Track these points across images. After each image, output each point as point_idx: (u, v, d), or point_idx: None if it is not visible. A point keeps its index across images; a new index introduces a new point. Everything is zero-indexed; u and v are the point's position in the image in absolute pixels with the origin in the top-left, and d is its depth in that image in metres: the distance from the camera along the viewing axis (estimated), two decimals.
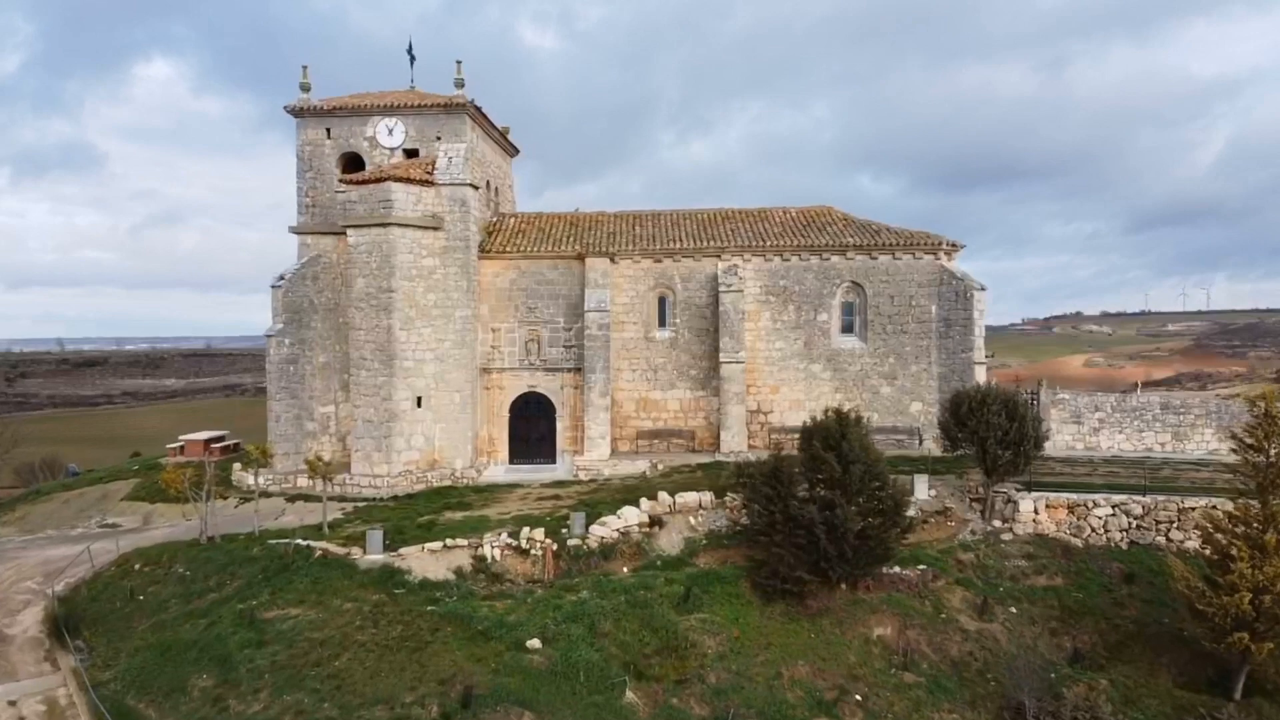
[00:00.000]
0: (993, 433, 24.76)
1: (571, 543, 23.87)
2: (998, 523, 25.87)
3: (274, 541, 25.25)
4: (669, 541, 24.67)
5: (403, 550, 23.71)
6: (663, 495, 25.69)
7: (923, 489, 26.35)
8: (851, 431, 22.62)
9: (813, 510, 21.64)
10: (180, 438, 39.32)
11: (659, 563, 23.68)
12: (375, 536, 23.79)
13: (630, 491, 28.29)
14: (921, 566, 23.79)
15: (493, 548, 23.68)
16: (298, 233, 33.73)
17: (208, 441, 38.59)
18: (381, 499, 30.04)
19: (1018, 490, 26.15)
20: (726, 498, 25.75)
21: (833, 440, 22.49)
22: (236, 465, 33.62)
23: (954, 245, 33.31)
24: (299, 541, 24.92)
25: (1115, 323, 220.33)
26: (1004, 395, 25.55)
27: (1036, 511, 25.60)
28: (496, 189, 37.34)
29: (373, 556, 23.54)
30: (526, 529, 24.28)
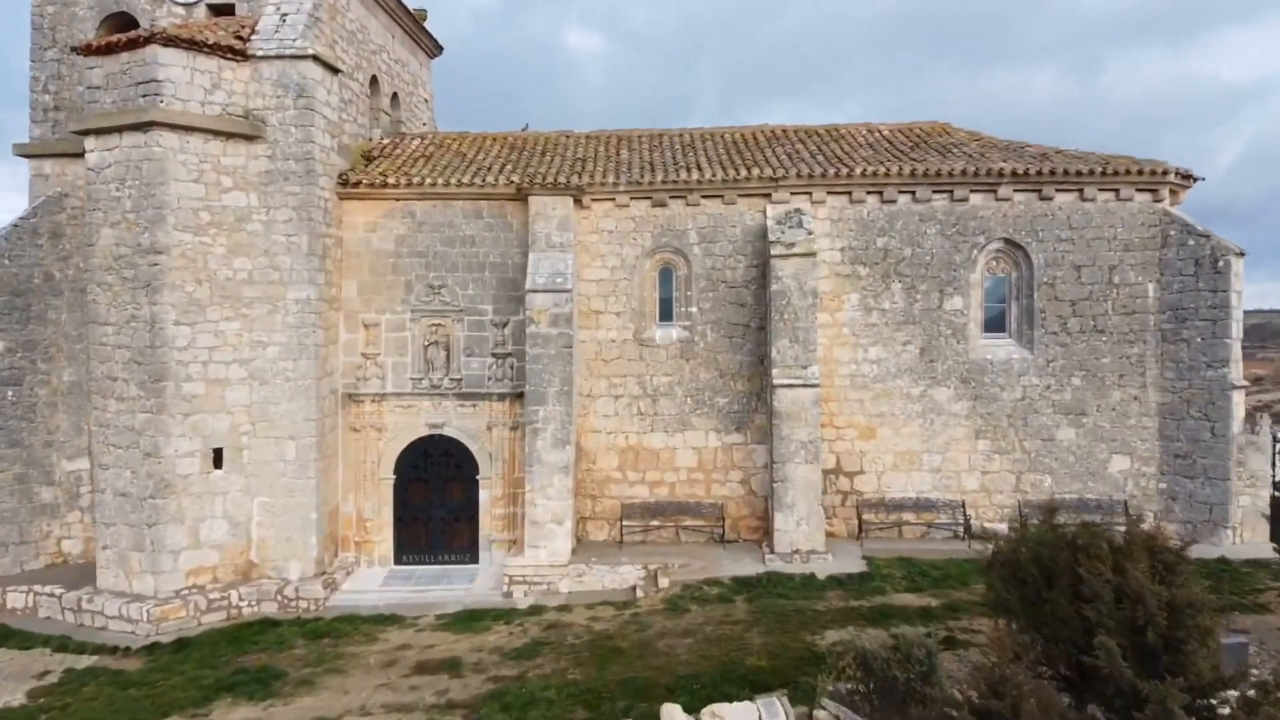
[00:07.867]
0: None
1: None
2: None
3: None
4: None
5: None
6: (676, 714, 10.90)
7: None
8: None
9: None
10: None
11: None
12: None
13: (605, 652, 13.89)
14: None
15: None
16: (26, 155, 19.27)
17: None
18: (133, 649, 15.57)
19: None
20: (823, 710, 11.10)
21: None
22: None
23: (1189, 177, 18.87)
24: None
25: None
26: None
27: None
28: (395, 96, 22.91)
29: None
30: None
